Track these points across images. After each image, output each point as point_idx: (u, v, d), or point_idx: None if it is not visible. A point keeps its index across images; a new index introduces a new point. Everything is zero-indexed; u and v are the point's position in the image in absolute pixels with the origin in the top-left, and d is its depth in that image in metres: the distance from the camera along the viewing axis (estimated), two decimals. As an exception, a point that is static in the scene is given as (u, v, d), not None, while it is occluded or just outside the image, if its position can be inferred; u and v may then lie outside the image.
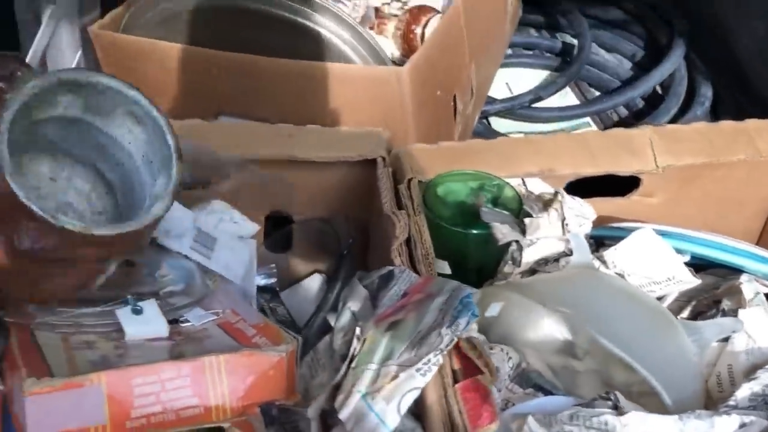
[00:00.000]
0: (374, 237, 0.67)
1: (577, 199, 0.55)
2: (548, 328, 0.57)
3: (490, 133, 0.98)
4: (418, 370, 0.40)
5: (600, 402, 0.44)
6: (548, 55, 1.17)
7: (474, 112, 0.91)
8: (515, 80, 1.11)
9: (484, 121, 1.02)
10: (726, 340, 0.50)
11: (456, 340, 0.41)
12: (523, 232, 0.53)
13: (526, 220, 0.53)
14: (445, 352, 0.40)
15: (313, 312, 0.61)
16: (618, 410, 0.42)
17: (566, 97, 1.10)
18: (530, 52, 1.17)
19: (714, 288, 0.56)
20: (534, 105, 1.03)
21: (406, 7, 0.92)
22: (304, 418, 0.52)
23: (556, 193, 0.54)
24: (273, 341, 0.52)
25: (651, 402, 0.50)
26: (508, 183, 0.58)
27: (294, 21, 0.71)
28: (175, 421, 0.46)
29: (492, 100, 1.01)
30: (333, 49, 0.71)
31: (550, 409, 0.46)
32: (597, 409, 0.43)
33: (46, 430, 0.43)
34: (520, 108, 1.01)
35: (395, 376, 0.40)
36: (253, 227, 0.61)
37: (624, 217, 0.66)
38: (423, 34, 0.85)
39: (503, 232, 0.52)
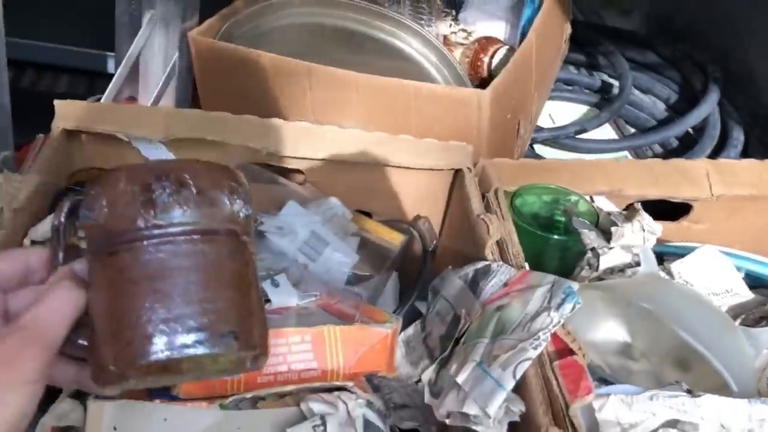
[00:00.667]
0: (449, 240, 0.74)
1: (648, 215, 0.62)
2: (609, 330, 0.64)
3: (535, 158, 1.05)
4: (530, 344, 0.46)
5: (674, 387, 0.51)
6: (587, 91, 1.25)
7: (528, 137, 0.98)
8: (556, 112, 1.20)
9: (530, 147, 1.10)
10: (775, 348, 0.57)
11: (562, 321, 0.48)
12: (606, 240, 0.60)
13: (613, 229, 0.60)
14: (552, 331, 0.47)
15: (399, 302, 0.67)
16: (692, 394, 0.49)
17: (604, 132, 1.18)
18: (570, 88, 1.25)
19: (762, 304, 0.63)
20: (577, 136, 1.11)
21: (471, 37, 1.00)
22: (397, 390, 0.59)
23: (634, 208, 0.61)
24: (376, 320, 0.59)
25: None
26: (584, 198, 0.65)
27: (386, 41, 0.79)
28: (296, 380, 0.53)
29: (540, 129, 1.08)
30: (420, 68, 0.78)
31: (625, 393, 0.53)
32: (674, 392, 0.50)
33: (193, 379, 0.50)
34: (565, 138, 1.09)
35: (511, 348, 0.47)
36: (355, 227, 0.69)
37: (673, 239, 0.74)
38: (490, 63, 0.93)
39: (591, 237, 0.59)
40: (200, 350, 0.37)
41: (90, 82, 1.23)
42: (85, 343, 0.39)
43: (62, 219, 0.41)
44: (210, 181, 0.39)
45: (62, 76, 1.25)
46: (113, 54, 1.17)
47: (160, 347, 0.36)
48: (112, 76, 1.21)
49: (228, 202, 0.40)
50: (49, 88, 1.24)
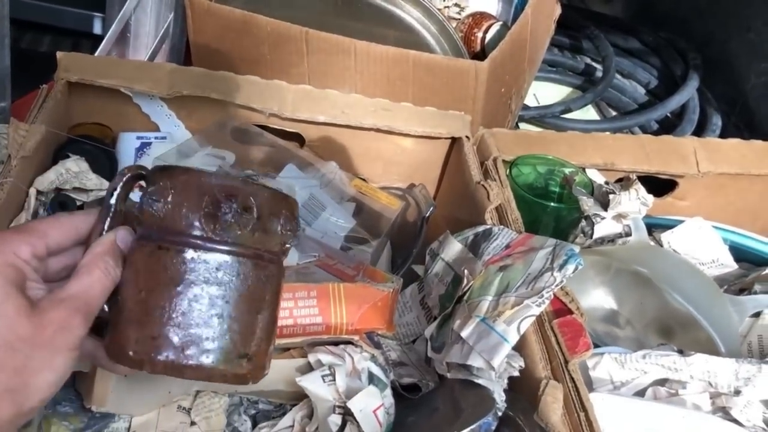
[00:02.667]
0: (443, 207, 0.76)
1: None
2: (598, 298, 0.67)
3: (522, 136, 1.07)
4: (534, 301, 0.48)
5: (665, 347, 0.53)
6: (570, 73, 1.27)
7: (517, 112, 1.00)
8: (540, 92, 1.22)
9: (516, 125, 1.12)
10: (756, 316, 0.60)
11: (564, 281, 0.49)
12: (603, 207, 0.62)
13: (610, 196, 0.62)
14: (555, 290, 0.49)
15: (398, 265, 0.69)
16: (683, 354, 0.52)
17: (587, 113, 1.20)
18: (554, 69, 1.27)
19: (743, 276, 0.66)
20: (562, 116, 1.13)
21: (463, 12, 1.01)
22: (394, 349, 0.60)
23: (629, 178, 0.63)
24: (376, 280, 0.60)
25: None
26: (581, 170, 0.67)
27: (386, 9, 0.79)
28: (301, 334, 0.54)
29: (526, 107, 1.10)
30: (419, 38, 0.79)
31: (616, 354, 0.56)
32: (666, 351, 0.52)
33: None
34: (551, 117, 1.11)
35: (516, 304, 0.48)
36: (353, 190, 0.70)
37: (657, 215, 0.76)
38: (484, 37, 0.95)
39: (588, 204, 0.61)
40: (215, 365, 0.40)
41: (74, 43, 1.21)
42: (106, 309, 0.40)
43: (119, 187, 0.41)
44: (270, 209, 0.41)
45: (45, 35, 1.22)
46: (99, 14, 1.16)
47: (181, 353, 0.39)
48: (97, 37, 1.20)
49: (280, 231, 0.42)
50: (30, 46, 1.22)
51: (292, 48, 0.81)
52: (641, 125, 1.15)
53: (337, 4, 0.81)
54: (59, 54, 0.64)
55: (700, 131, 1.11)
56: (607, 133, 1.14)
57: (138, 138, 0.69)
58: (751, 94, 1.13)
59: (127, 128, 0.71)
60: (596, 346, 0.63)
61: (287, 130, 0.73)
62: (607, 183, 0.65)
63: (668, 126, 1.15)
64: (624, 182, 0.64)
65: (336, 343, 0.54)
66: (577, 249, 0.51)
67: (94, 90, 0.66)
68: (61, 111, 0.64)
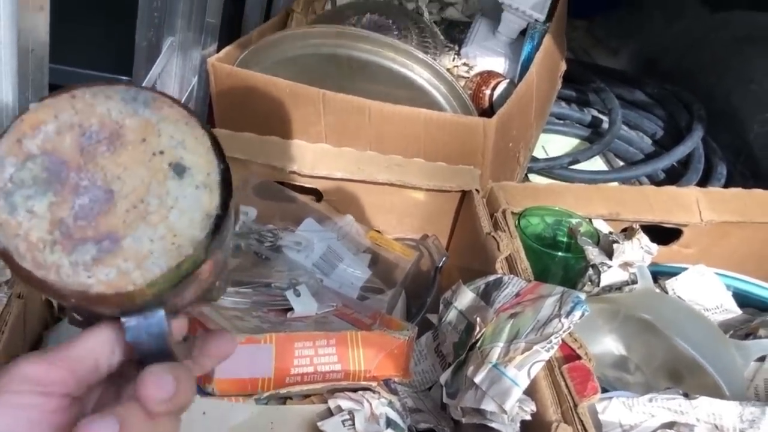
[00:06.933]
0: (455, 257, 0.79)
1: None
2: (607, 344, 0.69)
3: (531, 188, 1.11)
4: (543, 347, 0.51)
5: (671, 391, 0.55)
6: (578, 125, 1.31)
7: (526, 165, 1.04)
8: (548, 145, 1.26)
9: (526, 176, 1.15)
10: (762, 360, 0.62)
11: (572, 327, 0.52)
12: (608, 256, 0.65)
13: (614, 246, 0.65)
14: (563, 336, 0.51)
15: (413, 314, 0.71)
16: (688, 397, 0.54)
17: (594, 164, 1.24)
18: (562, 122, 1.31)
19: (748, 321, 0.68)
20: (570, 167, 1.16)
21: (472, 71, 1.06)
22: (411, 395, 0.62)
23: (633, 228, 0.66)
24: (392, 328, 0.63)
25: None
26: (587, 220, 0.70)
27: (398, 71, 0.84)
28: (321, 380, 0.56)
29: (535, 159, 1.14)
30: (430, 98, 0.83)
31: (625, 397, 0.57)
32: (671, 395, 0.54)
33: (228, 375, 0.53)
34: (559, 168, 1.14)
35: (526, 349, 0.51)
36: (368, 242, 0.73)
37: (663, 262, 0.79)
38: (491, 94, 0.99)
39: (594, 254, 0.64)
40: None
41: (101, 105, 1.27)
42: None
43: None
44: None
45: (74, 98, 1.28)
46: (126, 78, 1.22)
47: None
48: (123, 99, 1.26)
49: None
50: (60, 109, 1.28)
51: (310, 108, 0.85)
52: (648, 174, 1.18)
53: (352, 68, 0.85)
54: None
55: (705, 180, 1.14)
56: (615, 183, 1.18)
57: (165, 195, 0.73)
58: (755, 144, 1.16)
59: (154, 186, 0.75)
60: (606, 391, 0.65)
61: (306, 186, 0.77)
62: (611, 233, 0.68)
63: (675, 175, 1.17)
64: (627, 232, 0.67)
65: (355, 390, 0.56)
66: (583, 296, 0.54)
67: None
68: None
